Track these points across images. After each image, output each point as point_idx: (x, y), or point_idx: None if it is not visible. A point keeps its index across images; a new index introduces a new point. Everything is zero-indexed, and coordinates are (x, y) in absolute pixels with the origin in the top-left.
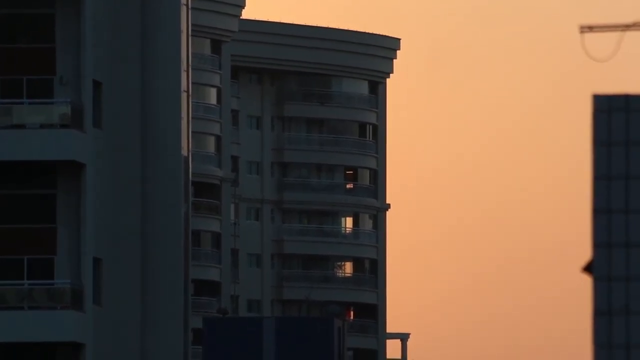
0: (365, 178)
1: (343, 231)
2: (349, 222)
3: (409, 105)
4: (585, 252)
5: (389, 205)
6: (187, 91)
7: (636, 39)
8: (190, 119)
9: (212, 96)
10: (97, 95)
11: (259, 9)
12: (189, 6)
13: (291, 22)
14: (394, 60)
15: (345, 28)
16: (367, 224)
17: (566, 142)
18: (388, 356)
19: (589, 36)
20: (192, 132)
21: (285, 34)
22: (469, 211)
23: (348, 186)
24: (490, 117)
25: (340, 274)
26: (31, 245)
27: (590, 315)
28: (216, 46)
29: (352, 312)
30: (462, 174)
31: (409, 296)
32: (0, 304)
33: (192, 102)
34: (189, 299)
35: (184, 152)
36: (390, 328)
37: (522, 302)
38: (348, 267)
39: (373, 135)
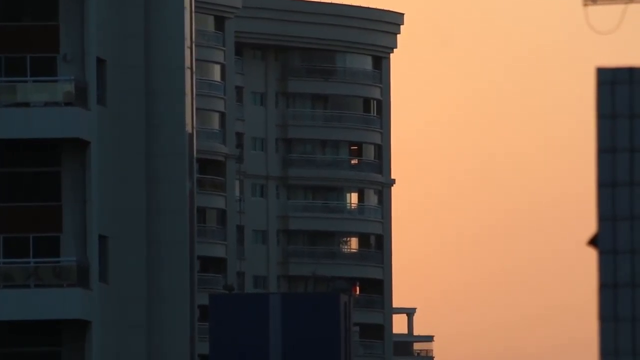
0: (370, 153)
1: (348, 207)
2: (354, 198)
3: (413, 80)
4: (590, 225)
5: (394, 181)
6: (191, 68)
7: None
8: (194, 95)
9: (216, 73)
10: (101, 73)
11: None
12: None
13: None
14: (398, 35)
15: (349, 3)
16: (372, 199)
17: (570, 115)
18: (395, 331)
19: (592, 9)
20: (196, 108)
21: (289, 10)
22: (473, 186)
23: (353, 162)
24: (494, 91)
25: (345, 249)
26: (37, 223)
27: (595, 287)
28: (220, 22)
29: (358, 288)
30: (467, 148)
31: (415, 271)
32: (6, 282)
33: (195, 79)
34: (194, 276)
35: (188, 129)
36: (397, 303)
37: (528, 276)
38: (354, 243)
39: (377, 111)
